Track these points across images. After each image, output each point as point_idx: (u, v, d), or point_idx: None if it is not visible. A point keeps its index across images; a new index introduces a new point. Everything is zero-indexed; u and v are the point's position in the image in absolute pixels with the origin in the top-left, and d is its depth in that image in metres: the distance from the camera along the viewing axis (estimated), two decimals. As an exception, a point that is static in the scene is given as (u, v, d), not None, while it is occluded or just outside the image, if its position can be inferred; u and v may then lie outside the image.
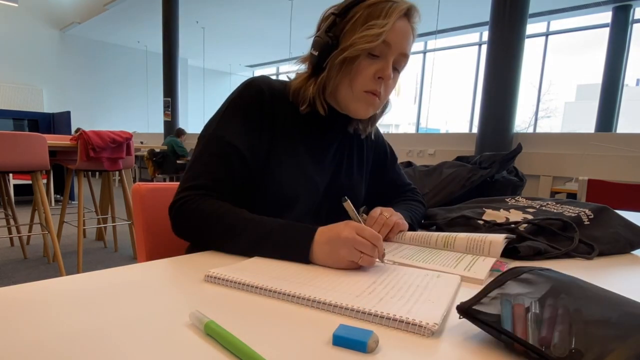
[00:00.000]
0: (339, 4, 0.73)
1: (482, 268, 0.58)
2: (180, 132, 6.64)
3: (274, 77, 0.81)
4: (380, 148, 0.96)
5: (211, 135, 0.71)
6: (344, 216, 0.87)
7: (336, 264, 0.56)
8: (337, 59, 0.70)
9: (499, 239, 0.66)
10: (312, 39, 0.74)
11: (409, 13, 0.71)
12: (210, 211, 0.65)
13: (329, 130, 0.81)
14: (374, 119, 0.84)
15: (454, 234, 0.72)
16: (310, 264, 0.58)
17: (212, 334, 0.34)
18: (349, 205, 0.66)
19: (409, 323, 0.38)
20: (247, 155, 0.71)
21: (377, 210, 0.77)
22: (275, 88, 0.75)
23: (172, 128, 7.39)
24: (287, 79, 0.80)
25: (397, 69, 0.75)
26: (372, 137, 0.93)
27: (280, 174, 0.74)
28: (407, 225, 0.78)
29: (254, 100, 0.73)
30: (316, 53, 0.71)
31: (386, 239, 0.76)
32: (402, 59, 0.74)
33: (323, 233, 0.59)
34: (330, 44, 0.70)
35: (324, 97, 0.75)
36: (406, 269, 0.56)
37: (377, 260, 0.58)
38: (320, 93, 0.74)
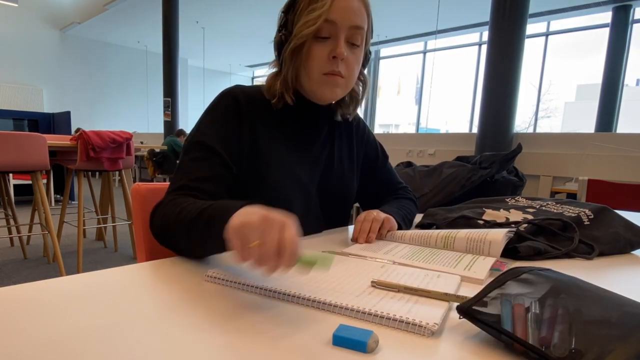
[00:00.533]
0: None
1: (482, 268, 0.58)
2: (180, 133, 6.64)
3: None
4: (371, 147, 0.96)
5: (190, 143, 0.72)
6: (335, 210, 0.87)
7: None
8: (287, 51, 0.72)
9: (498, 238, 0.66)
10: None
11: None
12: (178, 210, 0.59)
13: (312, 125, 0.82)
14: (355, 99, 0.84)
15: (454, 232, 0.72)
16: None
17: None
18: None
19: (409, 323, 0.38)
20: (226, 155, 0.71)
21: (363, 214, 0.77)
22: (249, 93, 0.77)
23: (172, 128, 7.39)
24: (263, 84, 0.82)
25: (354, 44, 0.73)
26: (361, 131, 0.93)
27: (269, 177, 0.75)
28: (396, 224, 0.78)
29: (231, 106, 0.74)
30: (276, 53, 0.76)
31: (378, 236, 0.76)
32: (356, 32, 0.72)
33: (241, 214, 0.44)
34: (284, 40, 0.73)
35: (292, 91, 0.77)
36: (406, 269, 0.56)
37: (374, 259, 0.58)
38: (288, 87, 0.76)
